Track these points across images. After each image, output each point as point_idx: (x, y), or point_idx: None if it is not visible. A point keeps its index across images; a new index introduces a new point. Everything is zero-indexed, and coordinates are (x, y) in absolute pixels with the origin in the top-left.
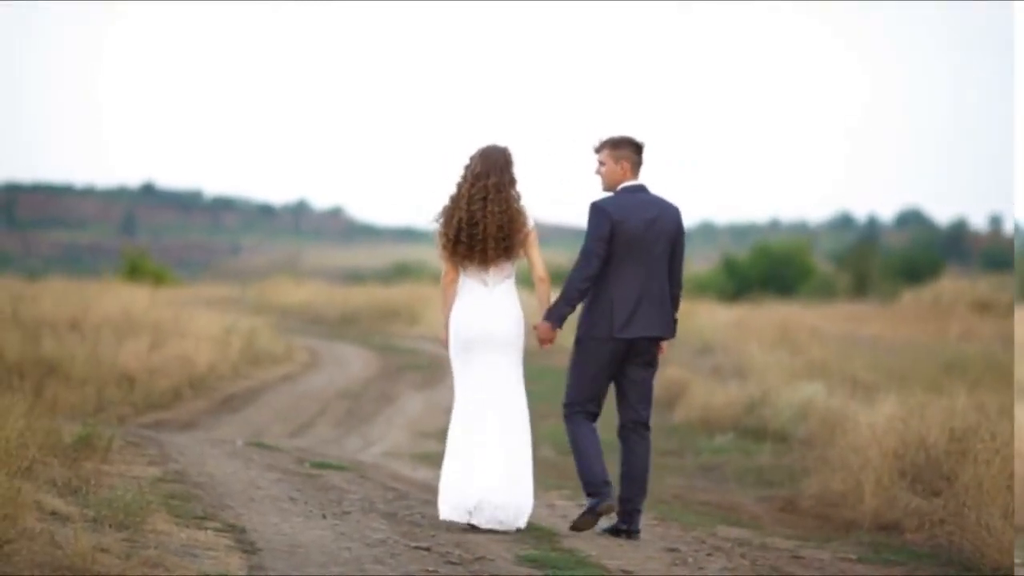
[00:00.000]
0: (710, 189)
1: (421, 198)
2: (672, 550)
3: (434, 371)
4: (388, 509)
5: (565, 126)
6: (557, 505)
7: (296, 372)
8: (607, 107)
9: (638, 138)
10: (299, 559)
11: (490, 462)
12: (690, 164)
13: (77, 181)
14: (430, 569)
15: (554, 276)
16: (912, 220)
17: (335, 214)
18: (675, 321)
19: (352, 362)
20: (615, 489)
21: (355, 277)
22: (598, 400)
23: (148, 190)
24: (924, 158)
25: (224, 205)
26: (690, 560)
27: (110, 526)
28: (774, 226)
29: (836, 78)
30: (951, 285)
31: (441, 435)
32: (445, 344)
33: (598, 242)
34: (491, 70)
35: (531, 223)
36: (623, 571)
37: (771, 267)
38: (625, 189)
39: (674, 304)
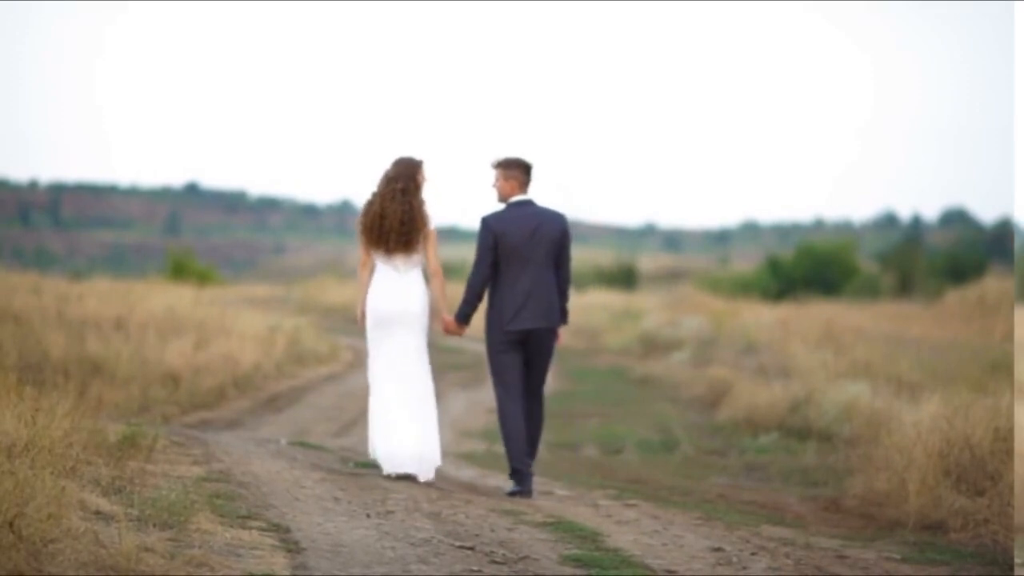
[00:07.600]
0: (754, 189)
1: (463, 199)
2: (716, 549)
3: (477, 370)
4: (432, 508)
5: (601, 123)
6: (601, 505)
7: (340, 371)
8: (651, 106)
9: (527, 159)
10: (343, 559)
11: (403, 424)
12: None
13: (122, 181)
14: (474, 569)
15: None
16: (956, 219)
17: None
18: (565, 311)
19: None
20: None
21: None
22: (512, 374)
23: (193, 190)
24: (969, 157)
25: (269, 205)
26: (734, 559)
27: (154, 525)
28: (818, 226)
29: (884, 77)
30: (996, 284)
31: (484, 435)
32: (361, 321)
33: (483, 251)
34: (531, 76)
35: (432, 225)
36: (667, 571)
37: (815, 267)
38: (513, 204)
39: (563, 296)
